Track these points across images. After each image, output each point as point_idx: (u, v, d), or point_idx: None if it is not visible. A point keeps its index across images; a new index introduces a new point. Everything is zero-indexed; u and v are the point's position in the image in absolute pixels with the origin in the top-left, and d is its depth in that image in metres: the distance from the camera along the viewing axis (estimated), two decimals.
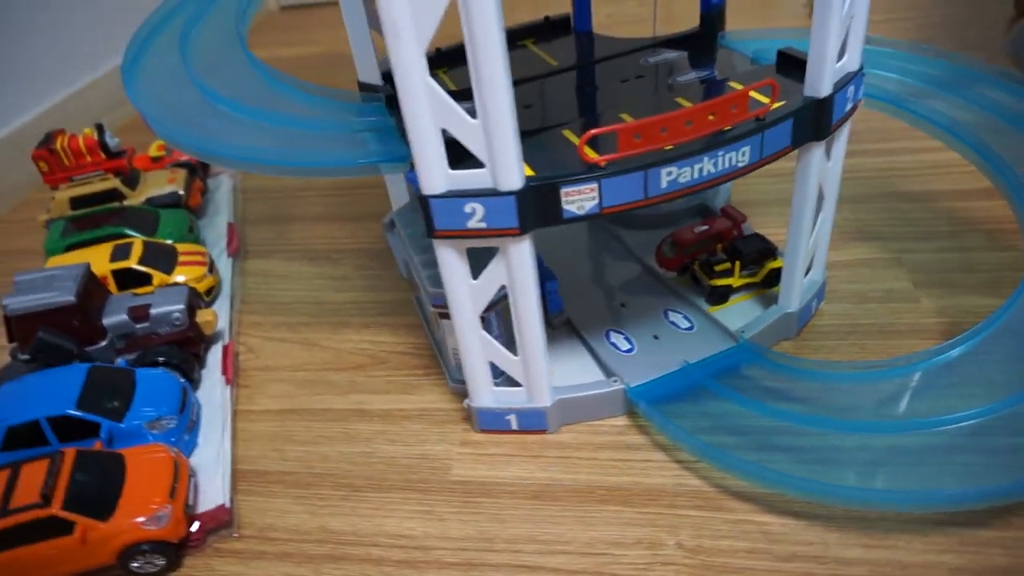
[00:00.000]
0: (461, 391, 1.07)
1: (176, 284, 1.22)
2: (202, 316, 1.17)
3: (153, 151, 1.64)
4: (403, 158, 0.90)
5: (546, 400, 0.97)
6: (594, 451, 0.97)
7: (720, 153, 0.81)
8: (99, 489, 0.86)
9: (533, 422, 0.99)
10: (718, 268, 1.12)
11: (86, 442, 0.95)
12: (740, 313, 1.11)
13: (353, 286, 1.35)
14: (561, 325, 1.13)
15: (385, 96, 1.03)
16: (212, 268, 1.34)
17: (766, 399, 0.94)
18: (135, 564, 0.86)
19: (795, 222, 0.99)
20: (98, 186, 1.46)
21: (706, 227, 1.19)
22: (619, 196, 0.80)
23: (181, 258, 1.31)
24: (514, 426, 0.99)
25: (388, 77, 1.08)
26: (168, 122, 1.03)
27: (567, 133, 0.87)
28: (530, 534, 0.88)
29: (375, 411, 1.08)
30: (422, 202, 0.79)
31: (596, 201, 0.79)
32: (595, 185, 0.78)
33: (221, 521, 0.93)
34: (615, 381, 0.99)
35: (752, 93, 0.83)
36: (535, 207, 0.79)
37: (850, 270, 1.21)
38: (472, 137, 0.74)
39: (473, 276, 0.86)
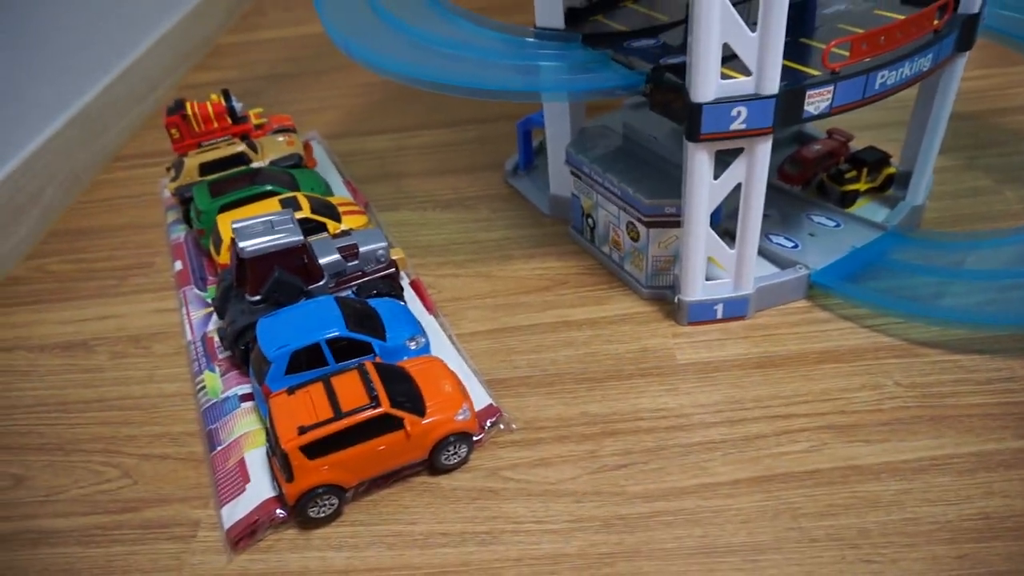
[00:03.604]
0: (656, 295, 1.21)
1: (365, 228, 1.29)
2: (396, 253, 1.25)
3: (254, 119, 1.67)
4: (638, 83, 1.03)
5: (750, 288, 1.13)
6: (792, 327, 1.14)
7: (916, 59, 0.99)
8: (407, 392, 0.96)
9: (736, 309, 1.15)
10: (847, 176, 1.32)
11: (358, 360, 1.03)
12: (869, 212, 1.30)
13: (499, 225, 1.46)
14: (723, 235, 1.29)
15: (582, 35, 1.15)
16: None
17: (928, 265, 1.14)
18: (443, 456, 0.96)
19: (931, 126, 1.19)
20: (227, 151, 1.49)
21: (821, 146, 1.38)
22: (845, 97, 0.96)
23: (340, 208, 1.38)
24: (719, 315, 1.15)
25: (573, 18, 1.22)
26: (370, 49, 1.14)
27: (806, 40, 1.03)
28: (770, 393, 1.04)
29: (580, 320, 1.21)
30: (693, 109, 0.93)
31: (829, 102, 0.96)
32: (831, 88, 0.95)
33: (494, 417, 1.03)
34: (800, 268, 1.16)
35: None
36: (784, 108, 0.94)
37: (936, 175, 1.43)
38: (748, 48, 0.89)
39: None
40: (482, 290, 1.31)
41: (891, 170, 1.34)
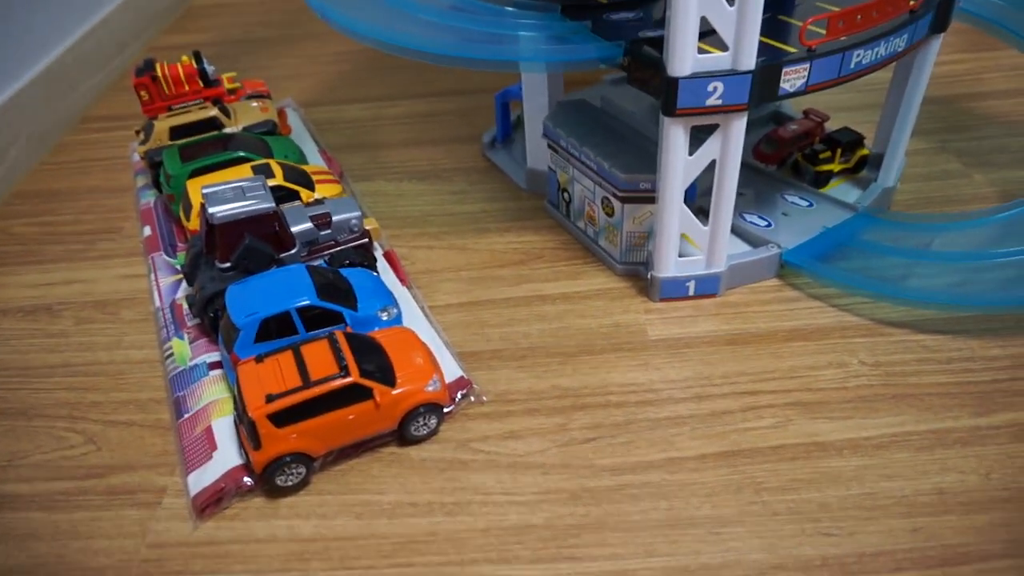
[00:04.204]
0: (629, 271, 1.22)
1: (339, 197, 1.28)
2: (370, 223, 1.24)
3: (227, 83, 1.63)
4: (616, 55, 1.02)
5: (722, 265, 1.13)
6: (762, 306, 1.15)
7: (891, 39, 0.99)
8: (377, 363, 0.95)
9: (707, 287, 1.15)
10: (822, 156, 1.32)
11: (329, 329, 1.02)
12: (841, 193, 1.31)
13: (475, 198, 1.45)
14: (697, 212, 1.30)
15: (562, 6, 1.14)
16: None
17: (896, 247, 1.16)
18: (413, 427, 0.96)
19: (904, 109, 1.20)
20: (198, 115, 1.46)
21: (797, 126, 1.39)
22: (821, 75, 0.97)
23: (314, 177, 1.36)
24: (691, 292, 1.16)
25: None
26: (349, 15, 1.11)
27: (783, 17, 1.02)
28: (738, 370, 1.05)
29: (554, 295, 1.21)
30: (670, 83, 0.92)
31: (804, 80, 0.96)
32: (807, 66, 0.95)
33: (465, 389, 1.04)
34: (772, 247, 1.17)
35: None
36: (759, 85, 0.94)
37: (908, 157, 1.45)
38: (725, 22, 0.88)
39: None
40: (456, 262, 1.30)
41: (864, 151, 1.35)
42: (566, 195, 1.30)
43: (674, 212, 1.06)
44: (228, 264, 1.10)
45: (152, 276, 1.31)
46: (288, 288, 1.03)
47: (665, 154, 1.00)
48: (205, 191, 1.11)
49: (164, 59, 1.53)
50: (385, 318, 1.07)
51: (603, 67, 1.04)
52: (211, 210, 1.07)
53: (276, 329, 1.00)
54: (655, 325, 1.14)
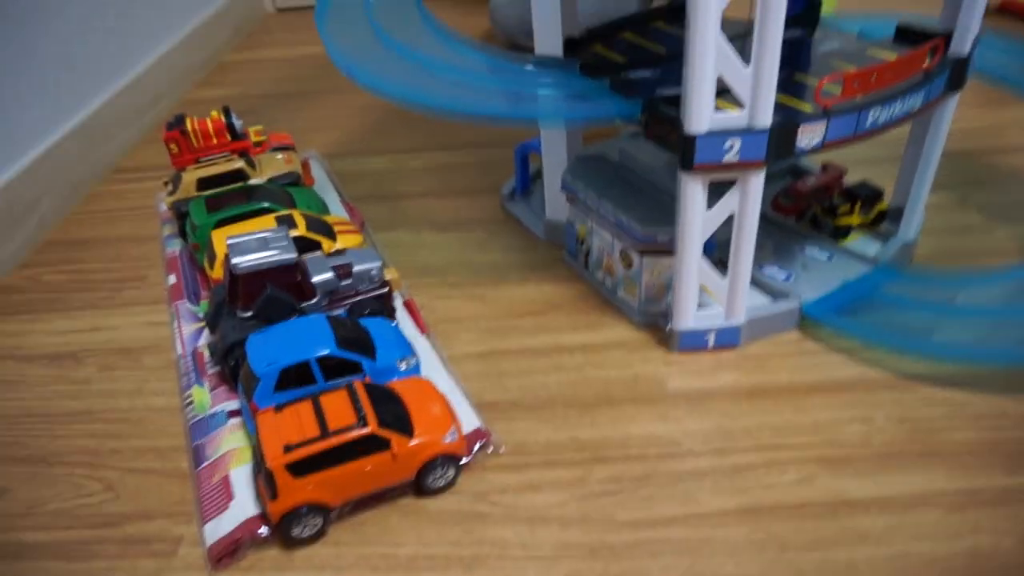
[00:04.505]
0: (648, 322, 1.22)
1: (360, 247, 1.30)
2: (390, 273, 1.26)
3: (253, 136, 1.68)
4: (634, 112, 1.04)
5: (742, 318, 1.13)
6: (783, 359, 1.14)
7: (907, 98, 1.01)
8: (395, 413, 0.95)
9: (727, 339, 1.15)
10: (841, 210, 1.33)
11: (346, 380, 1.02)
12: (861, 247, 1.31)
13: (495, 248, 1.47)
14: (716, 264, 1.30)
15: (580, 64, 1.17)
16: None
17: (919, 300, 1.15)
18: (430, 478, 0.95)
19: (923, 163, 1.21)
20: (225, 167, 1.50)
21: (815, 179, 1.40)
22: (837, 132, 0.98)
23: (336, 228, 1.39)
24: (711, 344, 1.15)
25: (571, 47, 1.23)
26: (374, 73, 1.16)
27: (800, 75, 1.04)
28: (760, 423, 1.04)
29: (572, 345, 1.21)
30: (687, 141, 0.94)
31: (820, 137, 0.97)
32: (823, 123, 0.96)
33: (483, 440, 1.03)
34: (793, 299, 1.17)
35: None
36: (776, 142, 0.95)
37: (928, 211, 1.45)
38: (741, 82, 0.90)
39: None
40: (475, 312, 1.31)
41: (884, 205, 1.35)
42: (584, 246, 1.31)
43: (693, 265, 1.07)
44: (250, 313, 1.12)
45: (175, 324, 1.33)
46: (308, 338, 1.04)
47: (683, 208, 1.02)
48: (230, 242, 1.14)
49: (195, 112, 1.59)
50: (404, 368, 1.08)
51: (621, 123, 1.07)
52: (235, 260, 1.10)
53: (296, 378, 1.01)
54: (675, 377, 1.13)
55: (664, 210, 1.14)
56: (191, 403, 1.15)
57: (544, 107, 1.09)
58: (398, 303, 1.29)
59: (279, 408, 0.94)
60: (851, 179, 1.42)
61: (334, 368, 1.02)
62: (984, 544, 0.86)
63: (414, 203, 1.66)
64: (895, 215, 1.32)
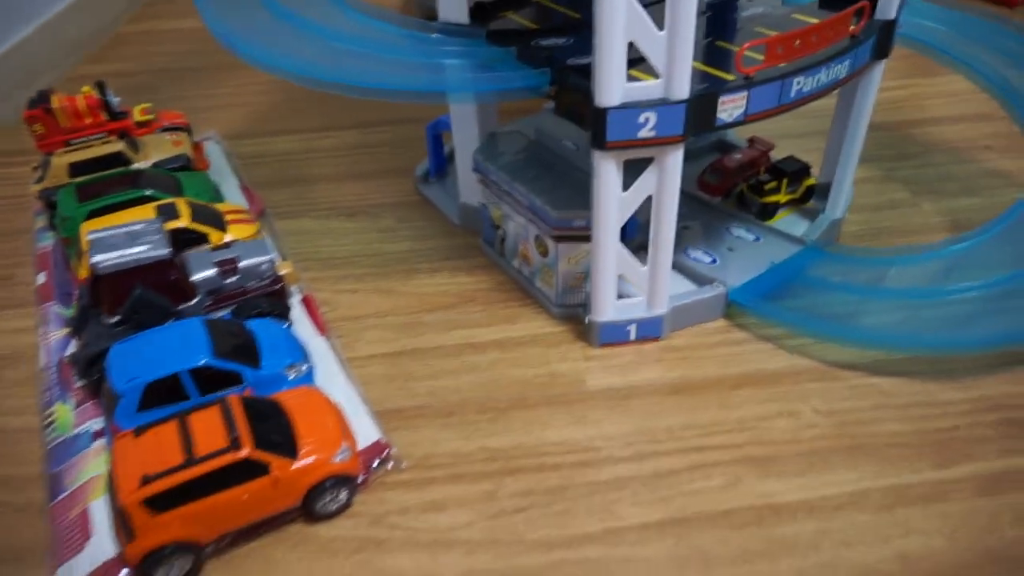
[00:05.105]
0: (567, 314, 1.13)
1: (252, 239, 1.17)
2: (284, 267, 1.13)
3: (138, 115, 1.51)
4: (543, 83, 0.94)
5: (664, 307, 1.05)
6: (708, 349, 1.07)
7: (832, 65, 0.93)
8: (277, 431, 0.84)
9: (650, 330, 1.07)
10: (767, 187, 1.26)
11: (225, 392, 0.91)
12: (788, 225, 1.25)
13: (405, 236, 1.35)
14: (637, 249, 1.22)
15: (487, 31, 1.06)
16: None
17: (846, 283, 1.09)
18: (320, 502, 0.85)
19: (850, 137, 1.15)
20: (101, 150, 1.33)
21: (741, 155, 1.33)
22: (760, 104, 0.90)
23: (227, 217, 1.25)
24: (633, 336, 1.07)
25: (481, 12, 1.12)
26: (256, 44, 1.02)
27: (723, 43, 0.96)
28: (684, 422, 0.96)
29: (486, 342, 1.11)
30: (598, 114, 0.84)
31: (743, 109, 0.89)
32: (745, 94, 0.88)
33: (382, 454, 0.93)
34: (718, 286, 1.10)
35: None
36: (695, 115, 0.87)
37: (855, 187, 1.40)
38: (655, 48, 0.81)
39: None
40: (382, 307, 1.20)
41: (811, 181, 1.29)
42: (500, 232, 1.22)
43: (610, 252, 0.98)
44: (117, 319, 0.99)
45: (40, 330, 1.18)
46: (180, 346, 0.91)
47: (597, 191, 0.92)
48: (90, 237, 1.00)
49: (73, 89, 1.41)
50: (293, 376, 0.96)
51: (533, 97, 0.96)
52: (95, 259, 0.96)
53: (164, 394, 0.88)
54: (594, 374, 1.05)
55: (582, 192, 1.04)
56: (53, 423, 1.01)
57: (443, 78, 0.97)
58: (295, 300, 1.17)
59: (139, 431, 0.81)
60: (778, 154, 1.35)
61: (210, 380, 0.90)
62: (914, 546, 0.81)
63: (321, 187, 1.52)
64: (822, 191, 1.26)
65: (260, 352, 0.96)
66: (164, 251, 0.98)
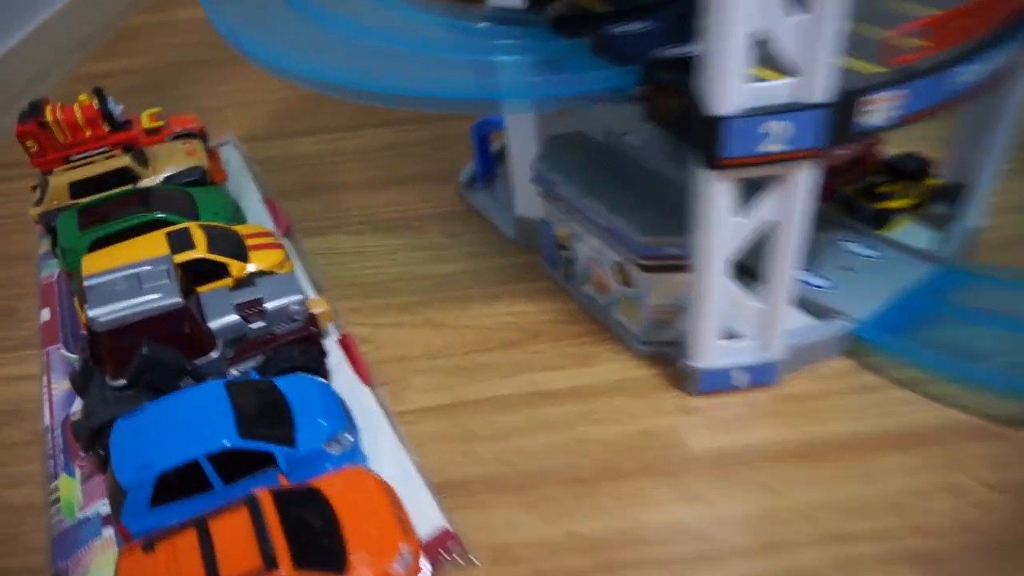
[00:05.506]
0: (653, 352, 0.95)
1: (278, 270, 1.00)
2: (316, 306, 0.96)
3: (147, 121, 1.34)
4: (628, 85, 0.75)
5: (780, 351, 0.86)
6: (833, 398, 0.88)
7: (994, 53, 0.73)
8: (319, 535, 0.67)
9: (762, 376, 0.88)
10: (880, 190, 1.06)
11: (258, 479, 0.74)
12: (910, 236, 1.05)
13: (455, 255, 1.17)
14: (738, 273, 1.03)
15: (551, 18, 0.86)
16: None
17: (998, 313, 0.89)
18: None
19: (1002, 129, 0.93)
20: (105, 166, 1.17)
21: (844, 151, 1.12)
22: (921, 101, 0.69)
23: (248, 242, 1.08)
24: (739, 383, 0.89)
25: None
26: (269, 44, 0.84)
27: (861, 27, 0.75)
28: (818, 500, 0.78)
29: (560, 390, 0.93)
30: (711, 125, 0.65)
31: (900, 110, 0.69)
32: (904, 92, 0.68)
33: (451, 546, 0.76)
34: (840, 319, 0.90)
35: None
36: (839, 121, 0.67)
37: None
38: (792, 38, 0.61)
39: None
40: (432, 345, 1.02)
41: (932, 181, 1.09)
42: (567, 254, 1.03)
43: (716, 289, 0.79)
44: (123, 382, 0.83)
45: (45, 379, 1.03)
46: (198, 420, 0.75)
47: (703, 216, 0.73)
48: (87, 284, 0.83)
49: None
50: (336, 452, 0.79)
51: (613, 100, 0.77)
52: (92, 312, 0.79)
53: (181, 485, 0.72)
54: (697, 432, 0.86)
55: (671, 209, 0.85)
56: (57, 500, 0.86)
57: (504, 82, 0.78)
58: (331, 339, 1.00)
59: (149, 545, 0.65)
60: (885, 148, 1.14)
61: (237, 464, 0.74)
62: None
63: (353, 196, 1.35)
64: (953, 193, 1.05)
65: (295, 422, 0.79)
66: (175, 299, 0.81)
